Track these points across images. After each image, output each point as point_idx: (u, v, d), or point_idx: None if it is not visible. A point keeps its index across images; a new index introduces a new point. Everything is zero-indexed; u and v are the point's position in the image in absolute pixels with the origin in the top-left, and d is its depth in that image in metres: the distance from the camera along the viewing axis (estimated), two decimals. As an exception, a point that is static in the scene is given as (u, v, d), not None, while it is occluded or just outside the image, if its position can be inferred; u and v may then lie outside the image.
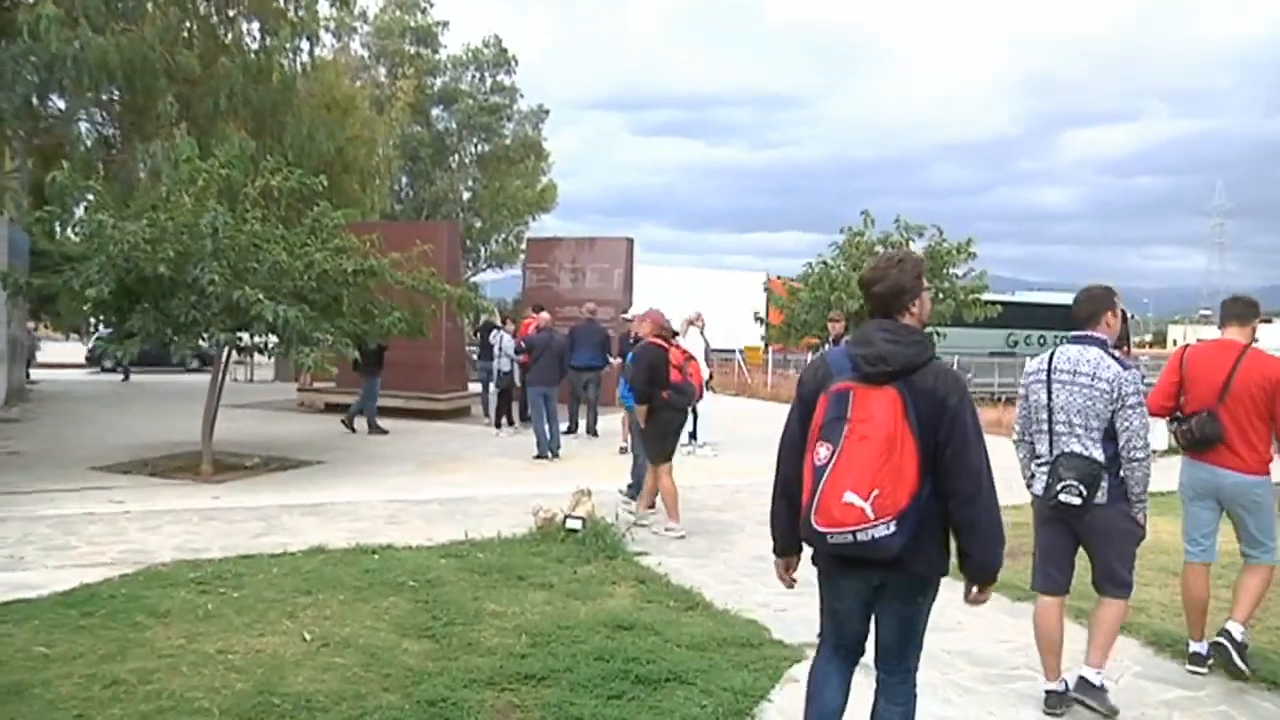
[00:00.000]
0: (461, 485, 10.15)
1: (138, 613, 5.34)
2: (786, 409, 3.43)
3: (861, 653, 3.42)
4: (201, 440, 10.63)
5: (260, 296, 9.37)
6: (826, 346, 11.03)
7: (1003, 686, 4.82)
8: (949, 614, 5.28)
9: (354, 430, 14.33)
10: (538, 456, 12.19)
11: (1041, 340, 34.86)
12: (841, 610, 3.32)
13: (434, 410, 16.12)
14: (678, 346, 8.36)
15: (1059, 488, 4.31)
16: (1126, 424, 4.27)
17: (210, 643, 4.91)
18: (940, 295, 15.23)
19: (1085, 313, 4.57)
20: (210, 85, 16.98)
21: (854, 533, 2.95)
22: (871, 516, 2.92)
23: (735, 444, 14.14)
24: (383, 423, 14.66)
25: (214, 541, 7.21)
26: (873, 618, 3.32)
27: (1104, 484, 4.29)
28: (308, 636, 5.05)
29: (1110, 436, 4.30)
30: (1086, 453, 4.31)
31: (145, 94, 16.31)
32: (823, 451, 3.00)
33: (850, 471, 2.94)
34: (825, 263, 15.84)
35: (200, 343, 10.12)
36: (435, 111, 40.55)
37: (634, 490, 9.19)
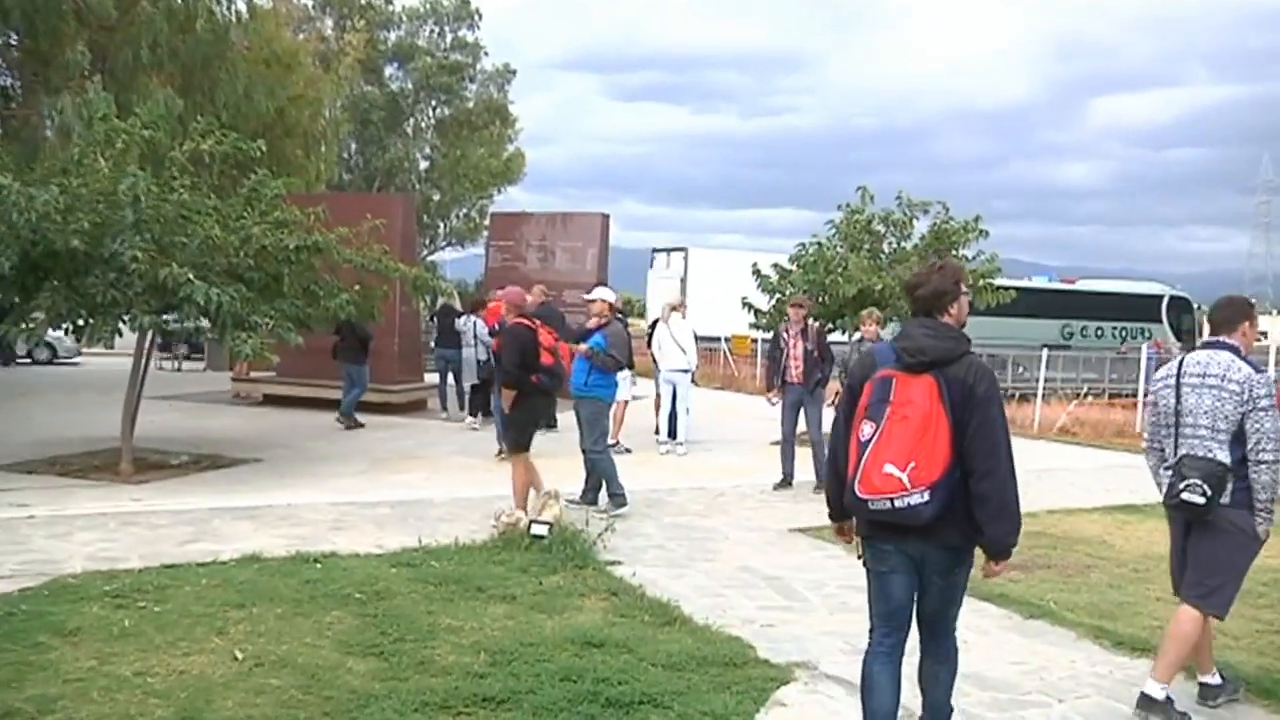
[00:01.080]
0: (415, 486, 10.11)
1: (40, 632, 5.24)
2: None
3: (907, 631, 3.99)
4: (121, 435, 10.51)
5: (189, 275, 9.25)
6: (785, 338, 10.90)
7: (1014, 713, 4.83)
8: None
9: (360, 425, 14.49)
10: (501, 454, 12.21)
11: (1099, 332, 34.86)
12: (885, 574, 3.92)
13: (386, 403, 16.01)
14: (545, 326, 8.65)
15: (1182, 486, 4.66)
16: (1258, 426, 4.58)
17: (126, 664, 4.85)
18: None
19: (1222, 318, 4.91)
20: (129, 33, 16.60)
21: (892, 500, 3.64)
22: (908, 485, 3.62)
23: (720, 442, 14.16)
24: (326, 417, 14.63)
25: (133, 549, 7.13)
26: (915, 592, 3.94)
27: (1229, 486, 4.61)
28: (239, 655, 5.00)
29: (1239, 440, 4.62)
30: (1210, 455, 4.65)
31: (51, 39, 15.86)
32: (867, 429, 3.74)
33: (890, 447, 3.66)
34: (819, 243, 15.75)
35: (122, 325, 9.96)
36: (389, 70, 40.31)
37: (591, 495, 9.17)
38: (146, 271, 9.26)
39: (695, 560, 7.53)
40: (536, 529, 7.42)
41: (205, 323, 10.17)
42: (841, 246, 15.52)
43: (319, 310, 11.05)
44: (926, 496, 3.60)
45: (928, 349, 3.78)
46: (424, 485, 10.21)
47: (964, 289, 3.98)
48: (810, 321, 11.21)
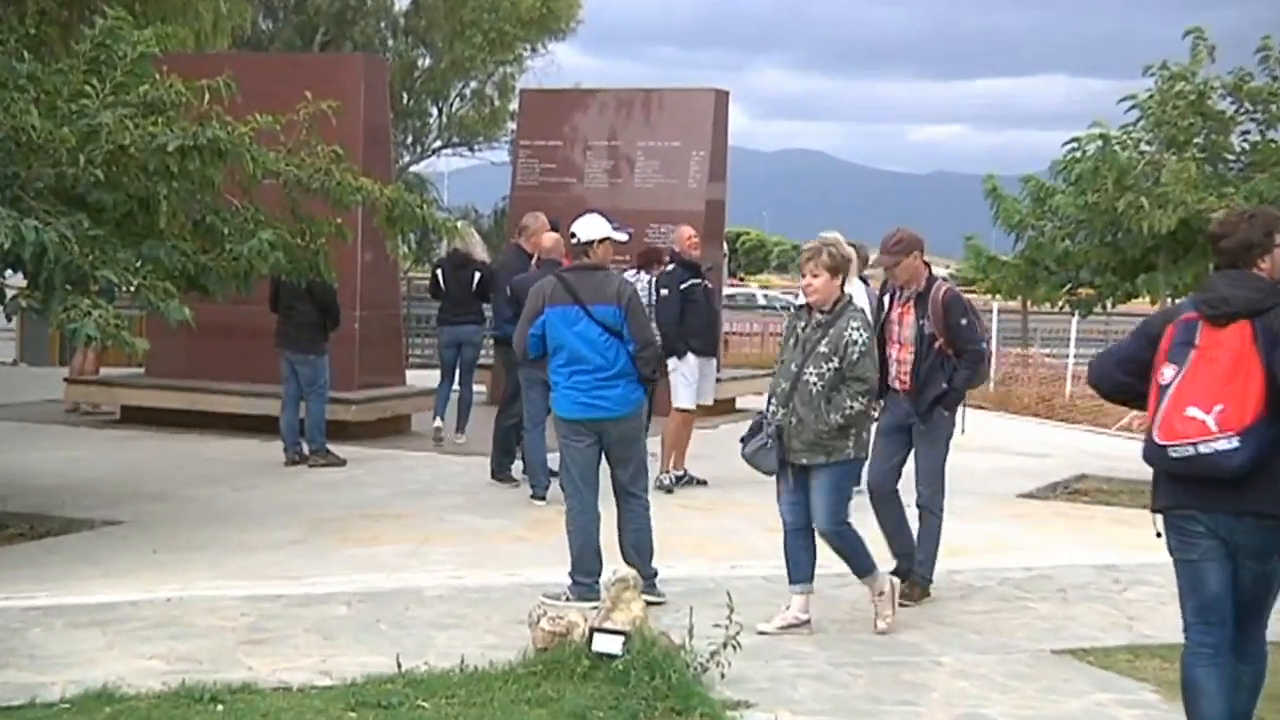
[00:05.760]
0: (390, 566, 10.24)
1: None
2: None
3: (1230, 629, 5.66)
4: None
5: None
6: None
7: None
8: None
9: (341, 461, 14.81)
10: (535, 497, 12.64)
11: None
12: (1195, 562, 5.64)
13: (340, 422, 16.05)
14: None
15: None
16: None
17: None
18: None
19: None
20: None
21: (1195, 444, 5.33)
22: (1214, 429, 5.29)
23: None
24: (235, 445, 14.87)
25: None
26: (1230, 581, 5.62)
27: None
28: None
29: None
30: None
31: None
32: (1168, 372, 5.52)
33: (1194, 388, 5.42)
34: (1104, 136, 15.39)
35: None
36: None
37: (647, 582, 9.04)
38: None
39: (884, 702, 7.48)
40: (603, 642, 7.40)
41: (15, 280, 10.27)
42: (1151, 142, 15.23)
43: (221, 260, 11.08)
44: (1235, 443, 5.26)
45: (1232, 299, 5.54)
46: (404, 564, 10.33)
47: (1278, 240, 5.71)
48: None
